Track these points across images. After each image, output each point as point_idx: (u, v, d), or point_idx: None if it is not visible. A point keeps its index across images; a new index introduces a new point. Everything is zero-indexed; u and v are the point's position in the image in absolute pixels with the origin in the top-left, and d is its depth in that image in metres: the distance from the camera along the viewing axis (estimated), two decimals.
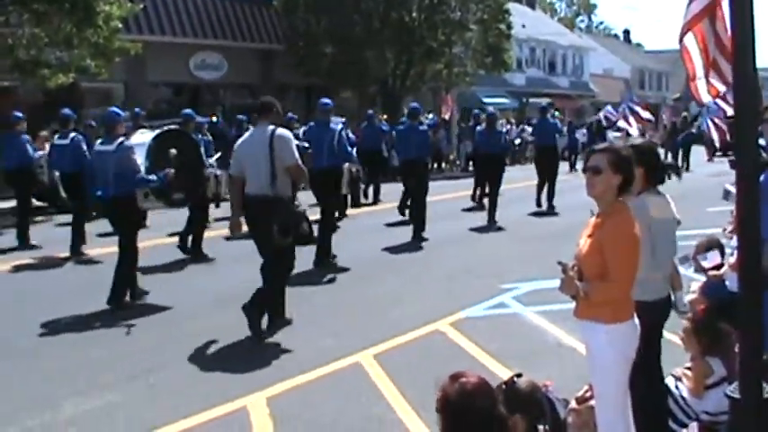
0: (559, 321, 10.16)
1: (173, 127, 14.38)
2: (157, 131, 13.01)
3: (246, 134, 11.22)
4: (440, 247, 16.97)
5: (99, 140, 12.81)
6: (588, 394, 5.94)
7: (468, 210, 23.23)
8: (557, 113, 32.66)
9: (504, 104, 54.11)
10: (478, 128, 23.42)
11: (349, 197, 22.08)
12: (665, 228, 6.11)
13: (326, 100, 15.64)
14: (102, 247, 15.68)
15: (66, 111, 17.36)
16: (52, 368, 9.27)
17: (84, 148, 16.49)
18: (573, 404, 6.06)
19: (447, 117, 38.19)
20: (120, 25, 25.81)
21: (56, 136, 17.35)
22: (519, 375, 5.20)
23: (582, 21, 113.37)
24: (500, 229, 19.56)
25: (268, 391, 8.24)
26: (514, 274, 13.61)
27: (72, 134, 16.73)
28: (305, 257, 13.19)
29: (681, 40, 6.54)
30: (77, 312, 11.64)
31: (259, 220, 10.48)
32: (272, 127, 10.64)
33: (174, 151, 12.64)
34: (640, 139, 7.26)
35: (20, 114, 18.02)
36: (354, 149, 18.60)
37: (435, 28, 40.93)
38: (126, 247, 12.12)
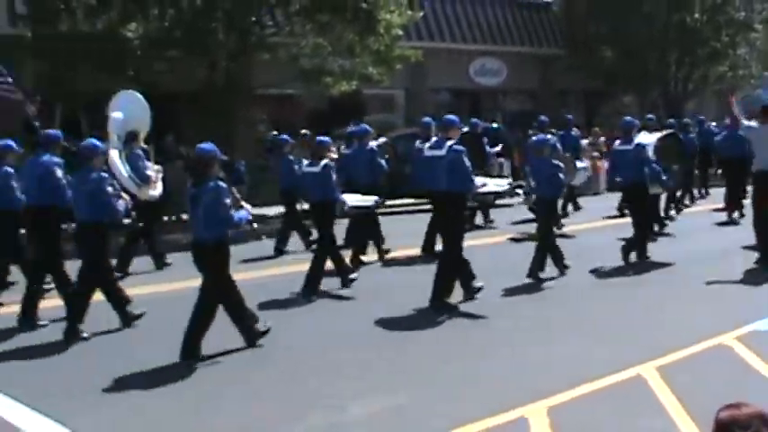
0: None
1: (670, 131, 18.06)
2: (659, 135, 16.81)
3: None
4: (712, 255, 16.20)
5: (427, 145, 13.50)
6: None
7: None
8: None
9: None
10: None
11: None
12: None
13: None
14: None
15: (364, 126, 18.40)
16: (338, 368, 9.46)
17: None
18: None
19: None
20: (401, 33, 26.16)
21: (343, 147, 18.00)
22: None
23: None
24: None
25: (548, 401, 8.05)
26: None
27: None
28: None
29: None
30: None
31: None
32: None
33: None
34: None
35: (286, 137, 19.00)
36: None
37: (719, 29, 39.23)
38: (451, 240, 12.64)
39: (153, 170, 14.66)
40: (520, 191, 16.49)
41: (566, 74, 38.08)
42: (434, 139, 13.06)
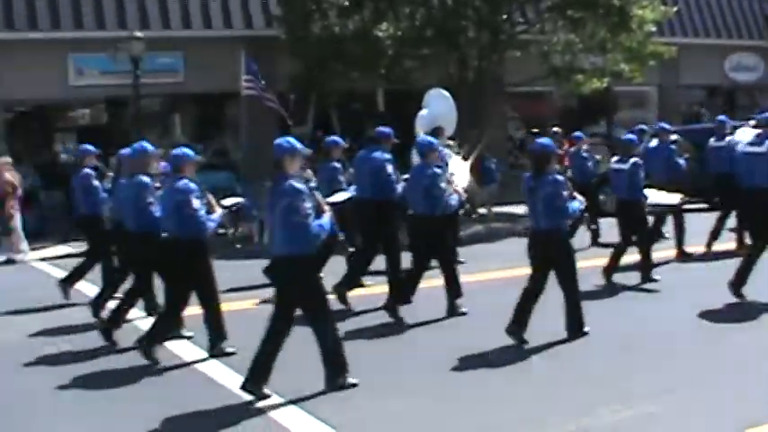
0: None
1: None
2: None
3: None
4: None
5: (747, 141, 13.31)
6: None
7: None
8: None
9: None
10: None
11: None
12: None
13: None
14: None
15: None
16: (590, 373, 9.30)
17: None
18: None
19: None
20: (654, 29, 25.57)
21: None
22: None
23: None
24: None
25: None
26: None
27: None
28: None
29: None
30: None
31: None
32: None
33: None
34: None
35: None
36: None
37: None
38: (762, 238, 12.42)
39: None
40: None
41: None
42: (756, 135, 12.96)
